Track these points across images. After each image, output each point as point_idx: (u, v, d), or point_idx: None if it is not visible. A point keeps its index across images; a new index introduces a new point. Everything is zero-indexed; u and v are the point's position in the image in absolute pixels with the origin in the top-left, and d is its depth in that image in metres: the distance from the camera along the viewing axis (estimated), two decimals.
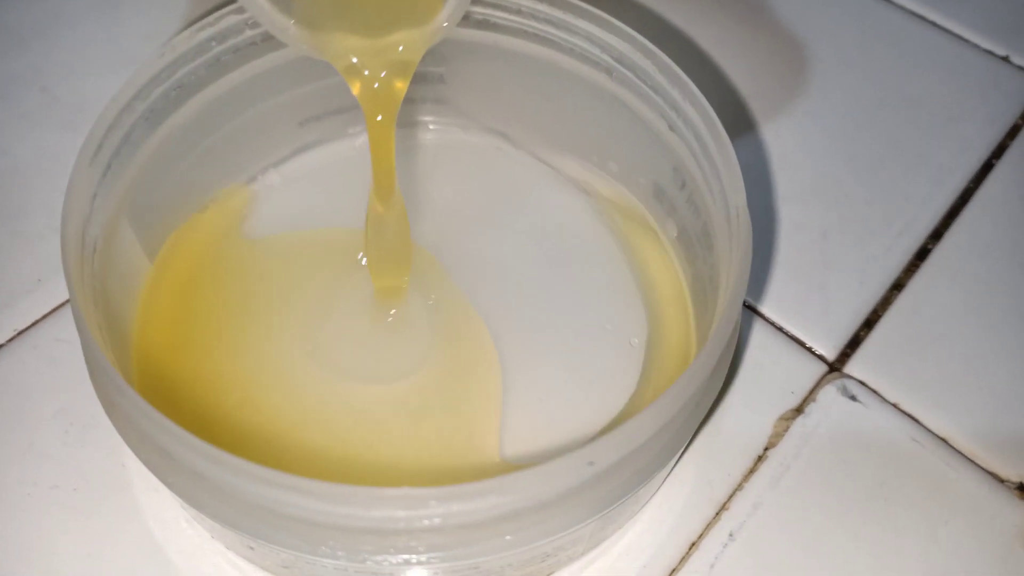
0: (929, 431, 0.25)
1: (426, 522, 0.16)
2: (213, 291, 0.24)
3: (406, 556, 0.17)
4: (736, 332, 0.20)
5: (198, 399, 0.22)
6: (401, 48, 0.21)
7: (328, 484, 0.15)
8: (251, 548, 0.20)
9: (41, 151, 0.29)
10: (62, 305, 0.26)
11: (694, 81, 0.22)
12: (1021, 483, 0.24)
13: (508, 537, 0.17)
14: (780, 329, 0.26)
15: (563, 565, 0.22)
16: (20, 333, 0.25)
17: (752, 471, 0.24)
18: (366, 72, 0.21)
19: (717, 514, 0.23)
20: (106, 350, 0.19)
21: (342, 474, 0.22)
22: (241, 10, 0.23)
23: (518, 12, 0.24)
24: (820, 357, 0.26)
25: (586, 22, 0.23)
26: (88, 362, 0.20)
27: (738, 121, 0.31)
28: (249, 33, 0.24)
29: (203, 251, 0.25)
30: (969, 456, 0.24)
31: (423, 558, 0.17)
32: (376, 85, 0.21)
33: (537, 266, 0.26)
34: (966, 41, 0.33)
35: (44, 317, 0.26)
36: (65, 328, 0.25)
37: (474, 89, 0.28)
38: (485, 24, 0.25)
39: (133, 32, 0.32)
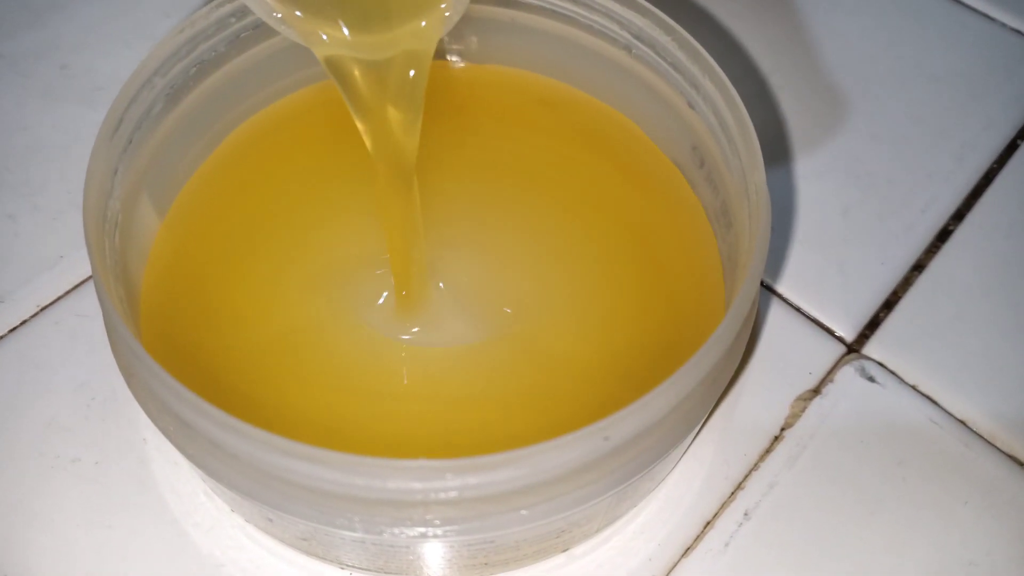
0: (948, 413, 0.24)
1: (442, 494, 0.16)
2: (226, 255, 0.24)
3: (422, 529, 0.17)
4: (754, 310, 0.20)
5: (216, 368, 0.22)
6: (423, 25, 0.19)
7: (344, 455, 0.16)
8: (269, 520, 0.20)
9: (61, 127, 0.29)
10: (84, 281, 0.26)
11: (714, 58, 0.22)
12: None
13: (523, 511, 0.17)
14: (798, 309, 0.26)
15: (578, 542, 0.22)
16: (43, 309, 0.26)
17: (768, 451, 0.24)
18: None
19: (733, 493, 0.23)
20: (127, 322, 0.19)
21: (366, 443, 0.21)
22: None
23: None
24: (839, 338, 0.26)
25: None
26: (109, 334, 0.20)
27: (758, 98, 0.31)
28: None
29: (214, 215, 0.25)
30: (988, 438, 0.24)
31: (439, 531, 0.17)
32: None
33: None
34: (991, 19, 0.33)
35: (67, 293, 0.26)
36: (87, 304, 0.26)
37: (492, 67, 0.27)
38: (504, 1, 0.25)
39: (150, 7, 0.32)
